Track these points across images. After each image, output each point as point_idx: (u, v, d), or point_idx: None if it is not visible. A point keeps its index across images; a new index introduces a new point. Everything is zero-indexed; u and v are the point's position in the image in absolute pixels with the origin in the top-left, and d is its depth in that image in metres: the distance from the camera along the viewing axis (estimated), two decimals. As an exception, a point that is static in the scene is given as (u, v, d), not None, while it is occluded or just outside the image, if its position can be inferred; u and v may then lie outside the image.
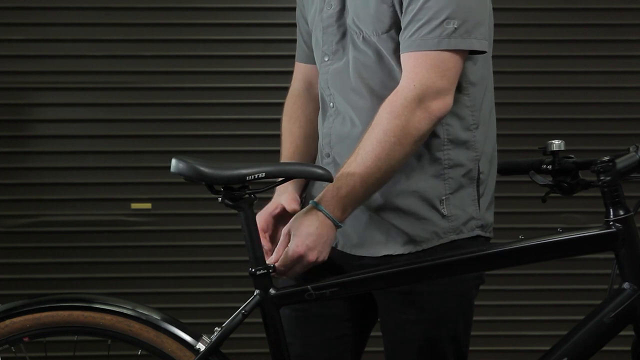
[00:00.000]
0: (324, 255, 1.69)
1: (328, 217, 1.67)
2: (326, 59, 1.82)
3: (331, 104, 1.83)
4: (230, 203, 1.67)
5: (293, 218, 1.72)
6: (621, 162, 1.69)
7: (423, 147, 1.74)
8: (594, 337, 1.71)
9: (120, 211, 3.52)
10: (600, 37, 3.55)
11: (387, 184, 1.74)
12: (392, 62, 1.74)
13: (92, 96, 3.49)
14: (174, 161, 1.67)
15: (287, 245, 1.69)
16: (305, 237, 1.67)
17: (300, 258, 1.67)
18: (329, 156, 1.83)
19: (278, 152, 1.98)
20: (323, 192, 1.69)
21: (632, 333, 1.74)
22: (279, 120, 1.98)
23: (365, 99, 1.77)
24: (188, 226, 3.51)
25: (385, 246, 1.78)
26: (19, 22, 3.48)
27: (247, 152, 3.46)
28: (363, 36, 1.76)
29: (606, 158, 1.69)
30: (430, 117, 1.66)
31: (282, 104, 1.97)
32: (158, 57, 3.49)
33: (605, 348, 1.73)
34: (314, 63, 1.93)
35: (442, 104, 1.67)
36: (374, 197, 1.76)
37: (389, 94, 1.71)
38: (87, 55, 3.49)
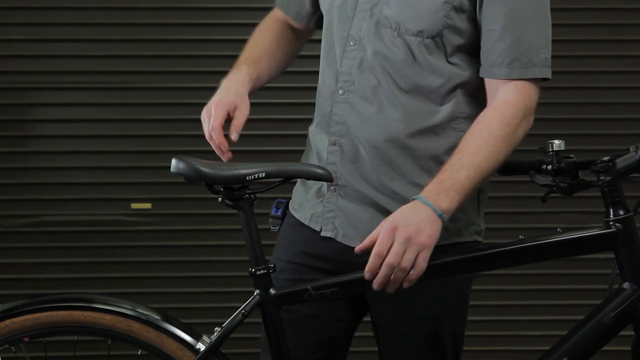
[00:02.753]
0: (424, 238, 1.60)
1: (425, 204, 1.63)
2: (352, 44, 1.78)
3: (340, 90, 1.79)
4: (230, 203, 1.66)
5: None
6: (621, 162, 1.69)
7: (433, 151, 1.76)
8: (594, 337, 1.71)
9: (120, 211, 3.52)
10: (600, 37, 3.55)
11: (394, 183, 1.76)
12: (425, 64, 1.74)
13: (91, 96, 3.49)
14: (174, 161, 1.67)
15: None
16: (394, 215, 1.63)
17: (393, 231, 1.60)
18: (334, 144, 1.80)
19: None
20: (426, 187, 1.67)
21: (632, 333, 1.74)
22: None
23: (391, 94, 1.75)
24: (188, 226, 3.51)
25: None
26: (19, 22, 3.48)
27: (248, 152, 3.45)
28: (398, 33, 1.74)
29: (606, 158, 1.69)
30: (528, 128, 1.75)
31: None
32: (158, 57, 3.49)
33: (605, 348, 1.73)
34: (300, 23, 1.99)
35: (532, 118, 1.75)
36: (379, 193, 1.77)
37: (418, 95, 1.74)
38: (87, 55, 3.48)
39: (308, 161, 1.89)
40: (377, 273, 1.61)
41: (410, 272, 1.60)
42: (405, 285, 1.62)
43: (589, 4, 3.54)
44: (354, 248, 1.75)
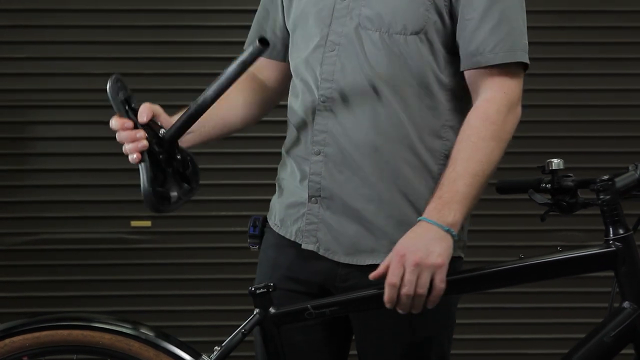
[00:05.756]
0: (434, 258, 1.58)
1: (430, 223, 1.61)
2: (332, 50, 1.74)
3: (322, 98, 1.75)
4: None
5: None
6: (621, 181, 1.69)
7: (420, 159, 1.74)
8: (595, 356, 1.71)
9: (120, 229, 3.52)
10: (599, 55, 3.56)
11: (382, 193, 1.73)
12: (410, 65, 1.72)
13: (91, 114, 3.49)
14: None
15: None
16: (401, 241, 1.61)
17: (401, 258, 1.59)
18: (318, 154, 1.76)
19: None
20: (427, 206, 1.65)
21: (633, 352, 1.74)
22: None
23: (379, 98, 1.72)
24: (187, 244, 3.51)
25: (371, 255, 1.75)
26: (19, 41, 3.49)
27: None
28: (381, 32, 1.71)
29: (606, 177, 1.69)
30: (516, 120, 1.73)
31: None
32: (157, 75, 3.50)
33: (605, 367, 1.73)
34: (278, 60, 1.91)
35: (520, 107, 1.74)
36: (366, 205, 1.74)
37: (402, 100, 1.71)
38: (86, 73, 3.49)
39: (285, 176, 1.85)
40: (396, 302, 1.60)
41: (430, 295, 1.60)
42: (429, 306, 1.61)
43: (586, 23, 3.55)
44: (338, 268, 1.76)
